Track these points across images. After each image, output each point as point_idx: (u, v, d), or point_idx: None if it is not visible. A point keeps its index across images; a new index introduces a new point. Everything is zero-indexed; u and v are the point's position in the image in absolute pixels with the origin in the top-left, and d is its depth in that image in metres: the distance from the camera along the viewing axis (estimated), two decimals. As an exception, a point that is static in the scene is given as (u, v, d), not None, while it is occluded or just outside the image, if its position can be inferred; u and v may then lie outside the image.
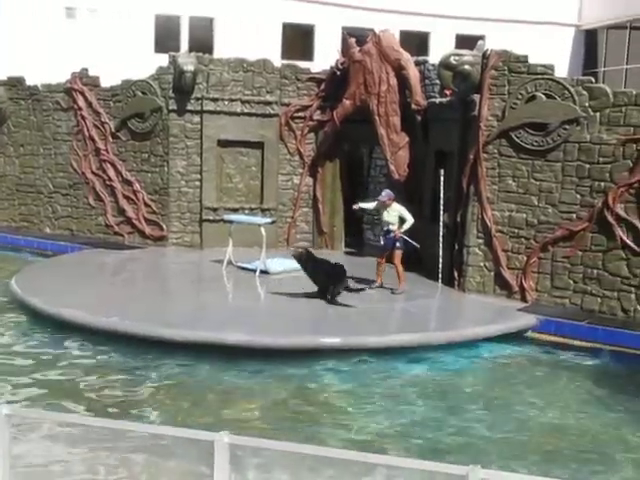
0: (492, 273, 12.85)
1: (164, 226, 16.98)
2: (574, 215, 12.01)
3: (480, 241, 12.91)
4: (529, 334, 11.48)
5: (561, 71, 15.57)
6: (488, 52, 12.70)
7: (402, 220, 12.75)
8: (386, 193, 12.96)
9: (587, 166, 11.87)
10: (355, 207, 13.48)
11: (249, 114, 16.72)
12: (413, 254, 13.41)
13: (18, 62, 21.17)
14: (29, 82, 19.16)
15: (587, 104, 11.81)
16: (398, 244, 12.79)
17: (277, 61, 18.49)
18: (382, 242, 12.95)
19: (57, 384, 9.24)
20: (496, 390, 9.63)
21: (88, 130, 17.95)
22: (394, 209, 12.82)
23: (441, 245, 13.59)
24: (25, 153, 19.37)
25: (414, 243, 12.94)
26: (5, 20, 23.76)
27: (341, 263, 12.36)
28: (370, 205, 13.32)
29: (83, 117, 18.00)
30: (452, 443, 7.90)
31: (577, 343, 11.14)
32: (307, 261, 12.26)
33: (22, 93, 19.25)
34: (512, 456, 7.60)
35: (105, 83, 17.87)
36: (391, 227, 12.77)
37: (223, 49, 22.60)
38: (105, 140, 17.79)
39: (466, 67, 12.76)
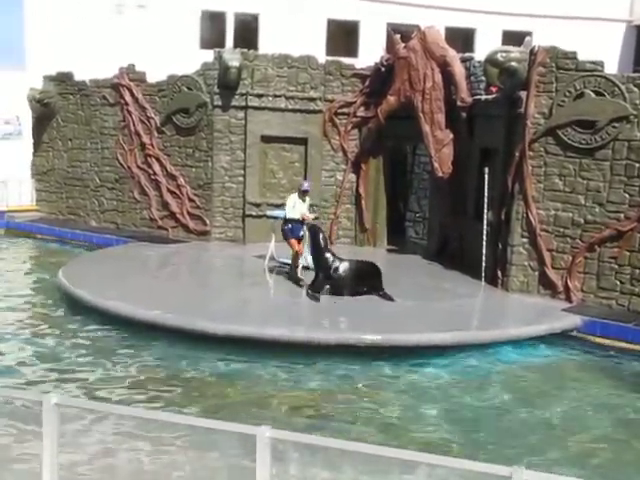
0: (536, 272, 12.69)
1: (207, 221, 17.12)
2: (622, 215, 11.79)
3: (524, 240, 12.75)
4: (574, 335, 11.31)
5: (611, 68, 15.24)
6: (535, 48, 12.53)
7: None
8: (309, 184, 13.88)
9: (637, 165, 11.64)
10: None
11: (293, 110, 16.76)
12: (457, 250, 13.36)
13: (67, 57, 21.48)
14: (77, 77, 19.47)
15: (638, 101, 11.58)
16: (302, 233, 13.12)
17: (321, 57, 18.45)
18: (300, 232, 13.08)
19: (103, 374, 9.39)
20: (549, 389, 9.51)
21: (134, 125, 18.18)
22: (307, 200, 13.49)
23: (485, 243, 13.46)
24: (73, 147, 19.70)
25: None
26: (55, 16, 24.13)
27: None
28: (280, 212, 13.74)
29: (129, 112, 18.23)
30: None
31: (623, 345, 10.94)
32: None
33: (71, 88, 19.59)
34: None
35: (151, 78, 18.07)
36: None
37: (268, 45, 22.63)
38: (150, 135, 18.00)
39: (513, 64, 12.59)
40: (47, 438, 4.47)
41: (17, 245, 18.40)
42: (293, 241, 13.14)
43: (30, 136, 20.91)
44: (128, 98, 18.23)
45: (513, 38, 19.72)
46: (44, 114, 19.99)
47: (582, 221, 12.18)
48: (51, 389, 8.49)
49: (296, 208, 13.08)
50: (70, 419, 4.71)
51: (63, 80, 19.74)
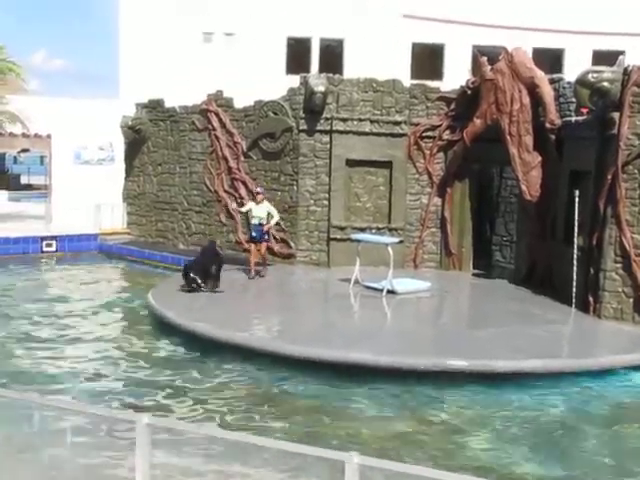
0: (631, 299, 12.22)
1: (292, 244, 17.24)
2: None
3: (618, 265, 12.31)
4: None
5: None
6: (629, 68, 12.17)
7: (269, 216, 15.32)
8: (262, 189, 15.88)
9: None
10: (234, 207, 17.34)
11: (378, 134, 16.76)
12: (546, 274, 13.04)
13: (158, 85, 22.21)
14: (168, 104, 20.04)
15: None
16: (266, 236, 15.40)
17: (406, 81, 18.44)
18: (254, 234, 15.28)
19: (194, 397, 9.52)
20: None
21: (221, 149, 18.56)
22: (264, 205, 15.29)
23: (575, 268, 13.07)
24: (162, 172, 20.25)
25: (275, 236, 16.53)
26: (146, 46, 25.02)
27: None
28: (244, 208, 15.94)
29: (217, 137, 18.63)
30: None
31: None
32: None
33: (161, 115, 20.18)
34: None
35: (238, 104, 18.42)
36: (262, 221, 15.17)
37: (353, 69, 22.82)
38: (237, 159, 18.33)
39: (605, 84, 12.27)
40: (139, 458, 4.54)
41: (108, 267, 18.97)
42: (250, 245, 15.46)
43: (122, 161, 21.63)
44: (216, 123, 18.64)
45: (604, 58, 19.30)
46: (136, 140, 20.64)
47: (680, 246, 11.70)
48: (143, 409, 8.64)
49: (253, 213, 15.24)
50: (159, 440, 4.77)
51: (154, 107, 20.35)
